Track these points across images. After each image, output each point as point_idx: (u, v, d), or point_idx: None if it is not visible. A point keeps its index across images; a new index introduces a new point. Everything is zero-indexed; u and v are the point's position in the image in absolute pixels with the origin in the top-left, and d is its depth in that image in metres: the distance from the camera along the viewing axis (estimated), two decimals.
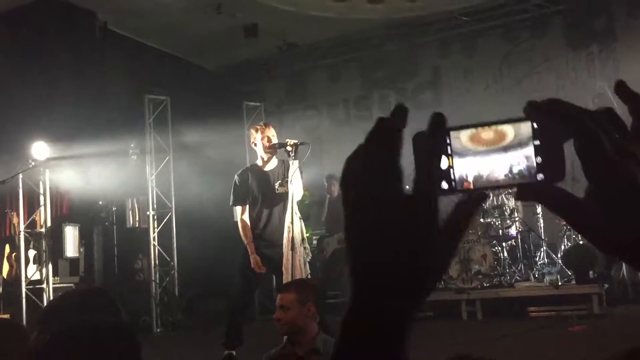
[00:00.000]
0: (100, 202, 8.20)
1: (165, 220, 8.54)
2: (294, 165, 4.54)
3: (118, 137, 8.13)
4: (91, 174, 7.87)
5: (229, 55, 10.22)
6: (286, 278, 4.32)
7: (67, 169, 7.56)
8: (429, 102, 9.98)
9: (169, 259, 8.49)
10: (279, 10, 8.81)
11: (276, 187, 4.66)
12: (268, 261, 4.72)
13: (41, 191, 7.52)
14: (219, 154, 9.01)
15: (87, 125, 7.65)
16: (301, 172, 4.78)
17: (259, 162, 4.93)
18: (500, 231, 7.27)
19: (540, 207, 7.29)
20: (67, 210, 8.18)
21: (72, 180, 7.75)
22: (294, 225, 4.43)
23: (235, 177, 4.96)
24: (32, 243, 7.63)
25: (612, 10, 8.61)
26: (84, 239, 7.86)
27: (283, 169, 4.80)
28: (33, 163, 6.25)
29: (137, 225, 8.17)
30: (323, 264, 7.92)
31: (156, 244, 8.41)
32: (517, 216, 7.37)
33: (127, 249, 8.40)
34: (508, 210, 7.40)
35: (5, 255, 8.06)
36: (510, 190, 7.60)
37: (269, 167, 4.87)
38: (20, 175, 7.28)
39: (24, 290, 7.17)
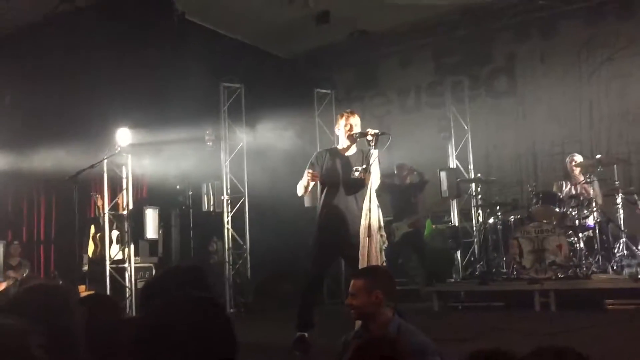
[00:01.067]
0: (178, 187, 8.55)
1: (238, 205, 8.79)
2: (374, 154, 4.57)
3: (195, 124, 8.42)
4: (170, 159, 8.21)
5: (301, 42, 10.32)
6: (362, 264, 4.37)
7: (148, 155, 7.92)
8: (504, 87, 9.75)
9: (241, 242, 8.75)
10: None
11: (354, 172, 4.69)
12: (341, 248, 4.78)
13: (124, 175, 7.91)
14: (291, 141, 9.17)
15: (166, 112, 7.97)
16: (379, 162, 4.82)
17: (339, 147, 4.99)
18: (577, 221, 7.04)
19: (620, 197, 7.01)
20: (147, 193, 8.58)
21: (152, 165, 8.11)
22: (371, 213, 4.47)
23: (313, 155, 5.06)
24: (115, 224, 8.06)
25: None
26: (163, 222, 8.23)
27: (362, 157, 4.83)
28: (119, 149, 6.59)
29: (212, 209, 8.46)
30: (389, 248, 7.93)
31: (230, 227, 8.69)
32: (596, 206, 7.12)
33: (202, 232, 8.73)
34: (586, 200, 7.16)
35: (91, 235, 8.56)
36: (588, 180, 7.36)
37: (348, 153, 4.92)
38: (105, 161, 7.69)
39: (108, 268, 7.59)
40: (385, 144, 4.62)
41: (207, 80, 8.80)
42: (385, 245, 4.60)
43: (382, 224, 4.56)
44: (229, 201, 8.75)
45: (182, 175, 8.45)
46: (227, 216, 8.68)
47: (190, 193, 8.68)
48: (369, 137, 4.59)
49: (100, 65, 8.29)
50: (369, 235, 4.38)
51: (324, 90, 9.81)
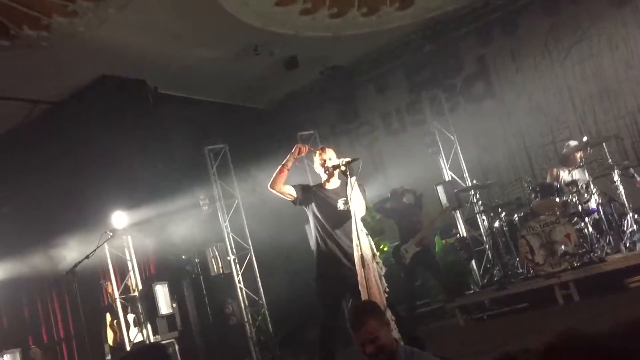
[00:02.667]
0: (183, 257, 8.56)
1: (246, 261, 8.78)
2: (350, 182, 4.57)
3: (188, 192, 8.49)
4: (170, 231, 8.24)
5: (276, 91, 10.49)
6: (363, 295, 4.33)
7: (148, 232, 7.96)
8: (481, 92, 9.81)
9: (256, 298, 8.70)
10: (314, 39, 8.99)
11: (339, 206, 4.67)
12: (343, 282, 4.74)
13: (128, 257, 7.94)
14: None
15: (157, 186, 8.06)
16: (363, 189, 4.81)
17: (322, 182, 4.98)
18: (580, 207, 6.98)
19: (616, 173, 6.96)
20: (154, 270, 8.59)
21: (154, 241, 8.15)
22: (361, 242, 4.45)
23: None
24: (129, 307, 8.04)
25: None
26: (175, 294, 8.21)
27: (345, 189, 4.81)
28: (111, 234, 6.64)
29: (221, 272, 8.45)
30: (405, 271, 7.86)
31: (242, 286, 8.66)
32: (594, 188, 7.06)
33: (216, 296, 8.69)
34: (584, 185, 7.11)
35: (108, 323, 8.53)
36: (582, 164, 7.32)
37: (330, 186, 4.89)
38: (107, 247, 7.72)
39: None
40: (358, 169, 4.62)
41: (192, 147, 8.92)
42: (384, 271, 4.56)
43: (374, 251, 4.53)
44: (236, 260, 8.74)
45: (185, 245, 8.47)
46: (237, 275, 8.67)
47: (197, 260, 8.68)
48: (342, 167, 4.60)
49: (86, 155, 8.44)
50: (364, 265, 4.36)
51: (307, 132, 9.89)
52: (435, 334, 7.11)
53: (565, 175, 7.53)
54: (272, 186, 4.73)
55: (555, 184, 7.41)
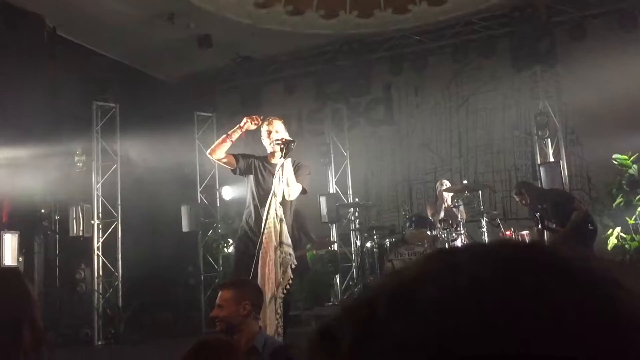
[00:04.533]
0: (42, 210, 7.96)
1: (110, 229, 8.34)
2: (281, 163, 4.41)
3: (64, 143, 7.94)
4: (34, 179, 7.63)
5: (182, 66, 10.15)
6: (259, 281, 4.23)
7: (9, 173, 7.32)
8: (381, 116, 10.14)
9: (113, 270, 8.28)
10: (233, 22, 8.83)
11: (273, 182, 4.48)
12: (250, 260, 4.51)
13: None
14: (169, 164, 8.91)
15: (33, 128, 7.45)
16: (308, 172, 4.69)
17: (267, 155, 4.71)
18: (447, 243, 7.37)
19: (484, 220, 7.45)
20: (7, 216, 7.89)
21: (14, 185, 7.50)
22: (267, 225, 4.35)
23: None
24: None
25: (555, 33, 8.98)
26: (24, 248, 7.59)
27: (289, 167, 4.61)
28: None
29: (80, 234, 7.94)
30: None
31: (100, 254, 8.20)
32: (463, 230, 7.51)
33: (69, 259, 8.16)
34: (455, 223, 7.53)
35: None
36: (456, 204, 7.78)
37: (274, 161, 4.57)
38: None
39: None
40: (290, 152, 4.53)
41: (79, 98, 8.36)
42: (291, 264, 4.42)
43: (283, 239, 4.39)
44: (100, 226, 8.28)
45: (47, 198, 7.88)
46: (97, 242, 8.20)
47: (57, 217, 8.11)
48: (277, 146, 4.48)
49: None
50: (263, 250, 4.27)
51: (205, 114, 9.66)
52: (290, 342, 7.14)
53: (438, 212, 7.96)
54: (211, 153, 4.57)
55: (431, 218, 7.79)
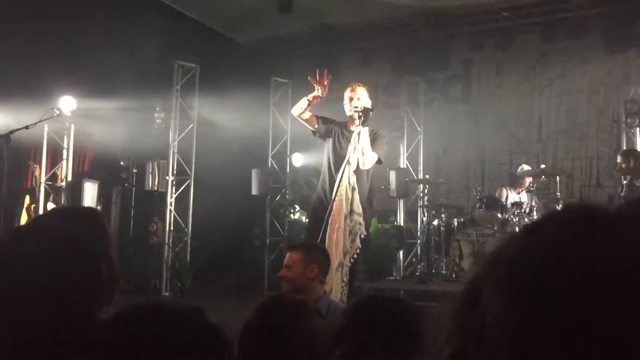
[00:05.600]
0: (122, 163, 8.28)
1: (183, 187, 8.59)
2: (357, 132, 4.42)
3: (145, 99, 8.18)
4: (115, 133, 7.93)
5: (262, 30, 10.18)
6: (327, 246, 4.27)
7: (92, 126, 7.63)
8: (458, 94, 9.87)
9: (183, 226, 8.55)
10: None
11: (348, 150, 4.50)
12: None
13: (65, 145, 7.60)
14: (243, 127, 9.03)
15: (115, 83, 7.70)
16: (386, 142, 4.73)
17: (347, 121, 4.76)
18: (517, 228, 7.17)
19: (560, 207, 7.18)
20: (88, 167, 8.27)
21: (97, 137, 7.82)
22: (338, 193, 4.38)
23: None
24: (51, 196, 7.73)
25: None
26: (102, 197, 7.95)
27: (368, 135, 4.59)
28: (57, 112, 6.30)
29: (155, 189, 8.22)
30: None
31: (172, 209, 8.48)
32: (536, 214, 7.27)
33: (143, 211, 8.48)
34: (527, 208, 7.30)
35: (25, 206, 8.18)
36: (531, 188, 7.52)
37: (353, 129, 4.59)
38: (46, 128, 7.35)
39: None
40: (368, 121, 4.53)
41: (161, 57, 8.56)
42: (360, 234, 4.44)
43: (354, 208, 4.41)
44: (174, 182, 8.54)
45: (127, 151, 8.18)
46: (171, 197, 8.47)
47: (134, 171, 8.42)
48: (356, 113, 4.48)
49: (47, 29, 7.95)
50: (333, 218, 4.30)
51: (281, 79, 9.71)
52: None
53: (513, 196, 7.73)
54: (295, 112, 4.66)
55: (502, 201, 7.58)
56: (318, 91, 4.62)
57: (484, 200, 7.53)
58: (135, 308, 1.18)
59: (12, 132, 5.03)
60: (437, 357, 0.51)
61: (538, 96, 9.30)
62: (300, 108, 4.70)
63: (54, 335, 1.12)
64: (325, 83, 4.66)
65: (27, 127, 5.28)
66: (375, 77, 10.31)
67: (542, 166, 7.56)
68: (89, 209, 2.21)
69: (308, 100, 4.67)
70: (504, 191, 7.85)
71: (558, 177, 7.36)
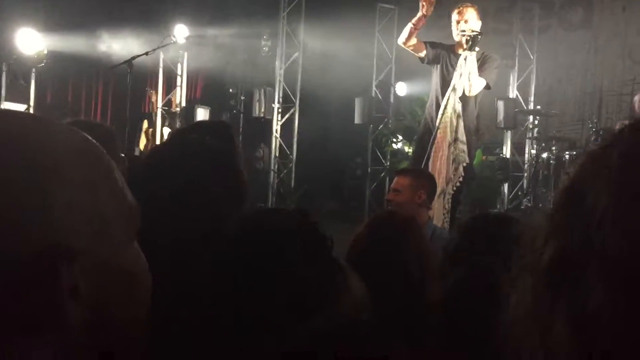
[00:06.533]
0: (230, 90, 8.57)
1: (288, 114, 8.78)
2: (468, 56, 4.33)
3: (253, 28, 8.31)
4: (225, 61, 8.18)
5: None
6: (431, 169, 4.30)
7: (203, 54, 7.91)
8: (578, 19, 9.18)
9: (288, 152, 8.80)
10: None
11: (454, 76, 4.45)
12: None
13: (179, 72, 7.97)
14: (348, 55, 8.98)
15: (224, 12, 7.88)
16: (496, 66, 4.61)
17: (454, 45, 4.62)
18: None
19: None
20: (200, 93, 8.64)
21: (208, 65, 8.12)
22: (443, 120, 4.35)
23: None
24: (167, 121, 8.20)
25: None
26: None
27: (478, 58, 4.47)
28: (174, 39, 6.59)
29: (262, 116, 8.47)
30: None
31: (278, 136, 8.72)
32: None
33: (251, 137, 8.80)
34: None
35: (143, 130, 8.75)
36: None
37: (461, 52, 4.45)
38: (161, 57, 7.72)
39: None
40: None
41: None
42: (464, 162, 4.42)
43: (458, 136, 4.37)
44: (280, 110, 8.74)
45: (235, 79, 8.44)
46: (277, 124, 8.70)
47: (242, 98, 8.69)
48: (464, 38, 4.37)
49: None
50: (436, 144, 4.29)
51: (387, 6, 9.46)
52: None
53: None
54: (401, 40, 4.62)
55: None
56: (423, 8, 4.47)
57: (601, 133, 7.10)
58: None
59: (133, 58, 5.34)
60: (536, 259, 0.48)
61: None
62: (406, 35, 4.61)
63: (204, 224, 1.29)
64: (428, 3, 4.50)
65: (146, 54, 5.59)
66: (483, 3, 9.80)
67: None
68: (220, 121, 2.33)
69: (413, 24, 4.55)
70: (621, 124, 7.37)
71: None
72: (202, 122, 2.37)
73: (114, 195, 0.54)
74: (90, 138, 0.56)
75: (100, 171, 0.54)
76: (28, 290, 0.48)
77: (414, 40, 4.58)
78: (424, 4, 4.46)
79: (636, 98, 7.35)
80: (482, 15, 10.01)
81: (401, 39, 4.64)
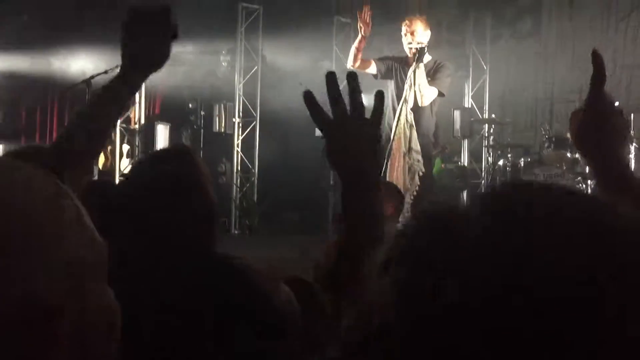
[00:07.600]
0: (190, 105, 8.53)
1: (249, 128, 8.79)
2: (417, 69, 4.41)
3: (210, 43, 8.29)
4: (183, 77, 8.14)
5: None
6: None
7: (162, 70, 7.82)
8: (528, 29, 9.49)
9: (250, 167, 8.80)
10: None
11: (405, 88, 4.52)
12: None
13: None
14: (306, 69, 9.05)
15: (182, 27, 7.80)
16: (448, 74, 4.71)
17: (406, 57, 4.75)
18: (588, 168, 7.00)
19: (633, 147, 6.94)
20: (159, 110, 8.57)
21: (166, 81, 8.04)
22: (397, 132, 4.42)
23: None
24: (126, 138, 8.09)
25: None
26: (173, 139, 8.26)
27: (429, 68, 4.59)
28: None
29: (223, 131, 8.47)
30: None
31: (239, 150, 8.71)
32: None
33: (212, 152, 8.76)
34: None
35: None
36: None
37: (414, 66, 4.56)
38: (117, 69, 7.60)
39: (117, 181, 7.67)
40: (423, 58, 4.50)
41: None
42: (419, 171, 4.50)
43: (412, 146, 4.46)
44: (241, 124, 8.74)
45: (195, 94, 8.40)
46: (238, 139, 8.70)
47: (202, 113, 8.67)
48: (412, 49, 4.47)
49: None
50: (391, 156, 4.37)
51: (344, 19, 9.59)
52: None
53: None
54: (351, 64, 4.64)
55: (572, 140, 7.38)
56: (361, 30, 4.60)
57: (553, 139, 7.35)
58: None
59: (92, 77, 5.27)
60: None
61: (614, 29, 8.83)
62: (352, 58, 4.70)
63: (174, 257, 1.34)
64: (368, 20, 4.62)
65: (106, 72, 5.52)
66: (438, 14, 10.03)
67: (617, 103, 7.26)
68: (180, 145, 2.35)
69: (355, 47, 4.67)
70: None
71: (632, 115, 7.07)
72: (160, 153, 2.37)
73: (84, 241, 0.53)
74: (59, 182, 0.55)
75: (70, 217, 0.53)
76: (7, 348, 0.47)
77: (359, 61, 4.67)
78: (362, 26, 4.59)
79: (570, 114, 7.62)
80: (436, 28, 10.28)
81: (349, 63, 4.73)
